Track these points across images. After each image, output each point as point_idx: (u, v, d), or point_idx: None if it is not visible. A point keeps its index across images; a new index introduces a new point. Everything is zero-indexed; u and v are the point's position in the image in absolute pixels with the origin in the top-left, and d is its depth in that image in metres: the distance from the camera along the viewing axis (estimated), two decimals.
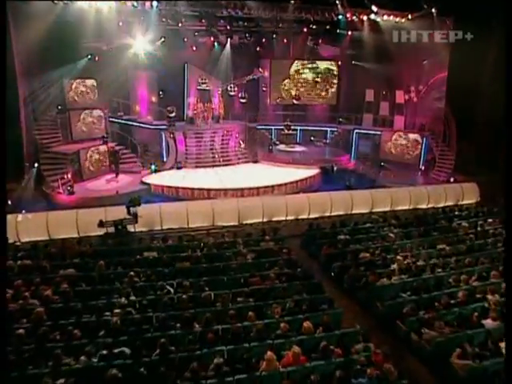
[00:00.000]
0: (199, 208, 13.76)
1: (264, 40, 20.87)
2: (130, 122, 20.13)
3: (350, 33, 20.81)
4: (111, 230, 12.35)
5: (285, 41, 21.66)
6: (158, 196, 15.62)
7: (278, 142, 22.73)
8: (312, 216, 14.88)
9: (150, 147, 21.18)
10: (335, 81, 24.35)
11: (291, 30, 19.81)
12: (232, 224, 13.71)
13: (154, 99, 21.99)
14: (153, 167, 17.94)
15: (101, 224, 12.31)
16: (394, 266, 9.36)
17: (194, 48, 20.08)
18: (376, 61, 20.44)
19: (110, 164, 17.20)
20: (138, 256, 10.02)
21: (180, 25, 17.73)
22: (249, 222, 14.03)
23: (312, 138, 23.91)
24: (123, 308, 7.28)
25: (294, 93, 23.82)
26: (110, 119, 19.30)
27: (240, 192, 15.57)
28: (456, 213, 14.09)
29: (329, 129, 23.75)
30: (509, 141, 5.44)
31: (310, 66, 23.82)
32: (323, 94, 24.40)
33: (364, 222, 12.95)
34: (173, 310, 7.35)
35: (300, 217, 14.87)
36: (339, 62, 23.79)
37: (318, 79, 24.05)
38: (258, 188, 15.82)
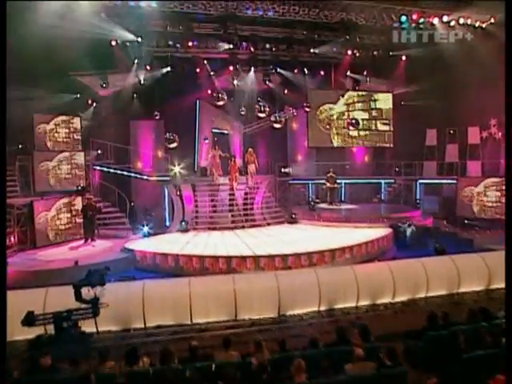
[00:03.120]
0: (211, 288, 7.99)
1: (296, 71, 16.63)
2: (122, 172, 15.15)
3: (404, 58, 16.57)
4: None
5: (322, 73, 17.44)
6: (145, 269, 9.94)
7: (318, 200, 17.28)
8: (399, 299, 8.93)
9: (152, 209, 16.01)
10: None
11: (330, 54, 15.55)
12: (267, 317, 7.95)
13: (160, 154, 17.39)
14: (145, 229, 12.49)
15: (28, 319, 6.78)
16: None
17: (209, 81, 15.90)
18: (440, 90, 15.85)
19: (84, 225, 11.88)
20: None
21: (190, 44, 13.63)
22: (296, 312, 8.22)
23: (357, 198, 18.54)
24: None
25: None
26: (95, 167, 14.49)
27: (280, 261, 9.63)
28: None
29: (383, 181, 18.39)
30: (508, 143, 5.14)
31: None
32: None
33: None
34: None
35: (379, 301, 8.86)
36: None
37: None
38: (309, 254, 9.90)
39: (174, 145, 12.85)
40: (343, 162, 19.43)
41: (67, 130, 13.48)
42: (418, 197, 17.29)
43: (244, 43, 14.72)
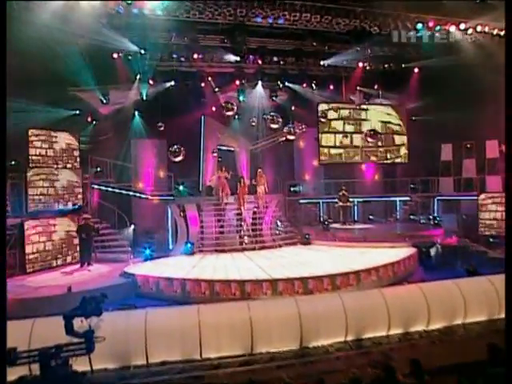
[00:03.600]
0: (223, 317, 6.98)
1: (304, 85, 16.04)
2: (122, 191, 14.23)
3: (416, 70, 16.01)
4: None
5: (331, 87, 16.84)
6: (147, 296, 8.89)
7: (330, 220, 16.29)
8: (435, 326, 7.93)
9: (154, 231, 15.01)
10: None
11: (340, 67, 14.99)
12: (288, 349, 6.93)
13: (162, 173, 16.56)
14: (147, 252, 11.50)
15: (10, 358, 5.70)
16: None
17: (214, 96, 15.26)
18: (455, 103, 15.17)
19: (80, 247, 10.89)
20: None
21: (195, 56, 13.03)
22: (320, 343, 7.18)
23: (371, 217, 17.55)
24: None
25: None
26: (94, 186, 13.59)
27: (300, 284, 8.55)
28: None
29: (398, 199, 17.48)
30: (508, 141, 5.25)
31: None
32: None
33: None
34: None
35: (413, 329, 7.81)
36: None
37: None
38: (331, 276, 8.83)
39: (179, 158, 11.93)
40: (353, 180, 18.59)
41: (63, 147, 12.58)
42: (436, 214, 16.31)
43: (251, 56, 14.17)
